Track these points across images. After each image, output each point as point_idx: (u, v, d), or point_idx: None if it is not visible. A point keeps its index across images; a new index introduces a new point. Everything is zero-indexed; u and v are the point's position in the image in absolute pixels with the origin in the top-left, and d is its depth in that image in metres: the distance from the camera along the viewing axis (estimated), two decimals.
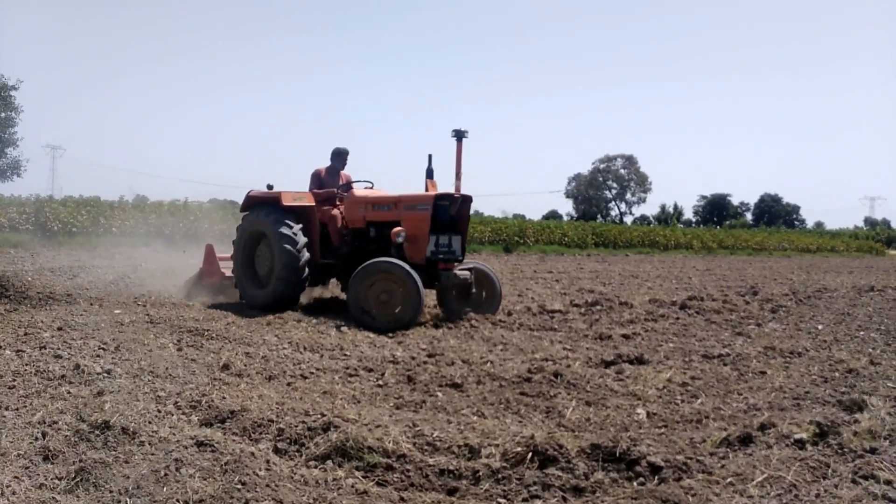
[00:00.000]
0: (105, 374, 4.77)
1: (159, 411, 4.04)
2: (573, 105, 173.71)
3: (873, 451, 3.68)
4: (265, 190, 9.15)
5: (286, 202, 8.82)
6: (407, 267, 7.77)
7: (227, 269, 9.65)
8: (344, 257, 9.08)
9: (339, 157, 9.69)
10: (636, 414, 4.52)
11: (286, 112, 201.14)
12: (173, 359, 5.42)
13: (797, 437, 3.85)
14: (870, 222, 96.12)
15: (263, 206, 8.97)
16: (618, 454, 3.51)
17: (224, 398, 4.31)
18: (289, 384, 4.92)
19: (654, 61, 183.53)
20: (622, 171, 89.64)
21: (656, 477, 3.36)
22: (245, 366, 5.30)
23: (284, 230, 8.47)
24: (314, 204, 9.03)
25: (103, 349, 5.58)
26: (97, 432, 3.58)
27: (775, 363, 6.23)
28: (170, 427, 3.73)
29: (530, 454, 3.47)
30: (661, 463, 3.44)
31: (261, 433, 3.76)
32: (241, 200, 9.76)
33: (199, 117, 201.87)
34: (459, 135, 8.67)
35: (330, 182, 9.51)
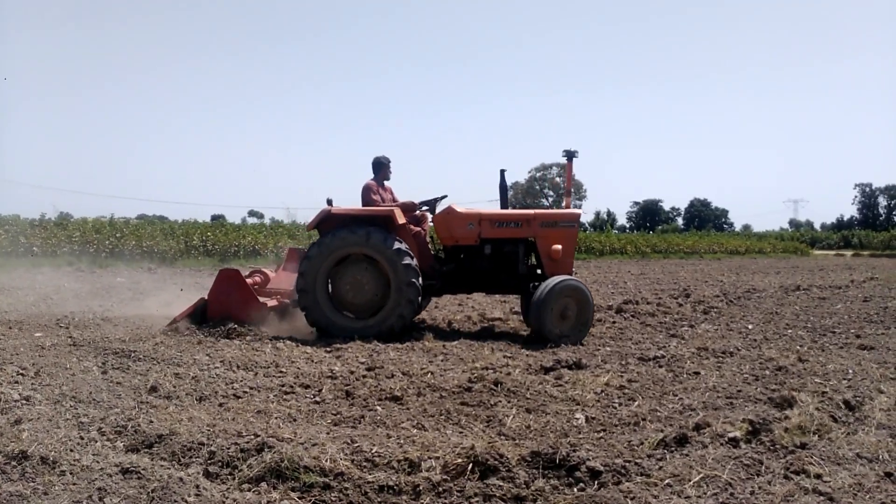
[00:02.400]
0: (24, 401, 4.52)
1: (82, 438, 3.84)
2: (508, 113, 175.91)
3: (803, 446, 3.80)
4: (353, 206, 8.31)
5: (400, 221, 8.12)
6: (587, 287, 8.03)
7: (263, 297, 8.49)
8: (445, 277, 8.63)
9: (385, 167, 8.97)
10: (575, 419, 4.55)
11: (213, 122, 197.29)
12: (97, 382, 5.19)
13: (731, 435, 3.94)
14: (794, 224, 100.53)
15: (364, 226, 7.96)
16: (558, 461, 3.52)
17: (151, 422, 4.14)
18: (221, 405, 4.77)
19: (585, 70, 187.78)
20: (558, 179, 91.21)
21: (596, 482, 3.38)
22: (174, 387, 5.10)
23: (407, 259, 7.85)
24: (405, 221, 8.41)
25: (22, 375, 5.30)
26: (14, 463, 3.38)
27: (708, 363, 6.39)
28: (93, 454, 3.55)
29: (471, 465, 3.44)
30: (601, 467, 3.46)
31: (191, 457, 3.61)
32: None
33: (124, 130, 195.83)
34: (570, 155, 8.70)
35: (384, 197, 8.83)
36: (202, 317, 8.12)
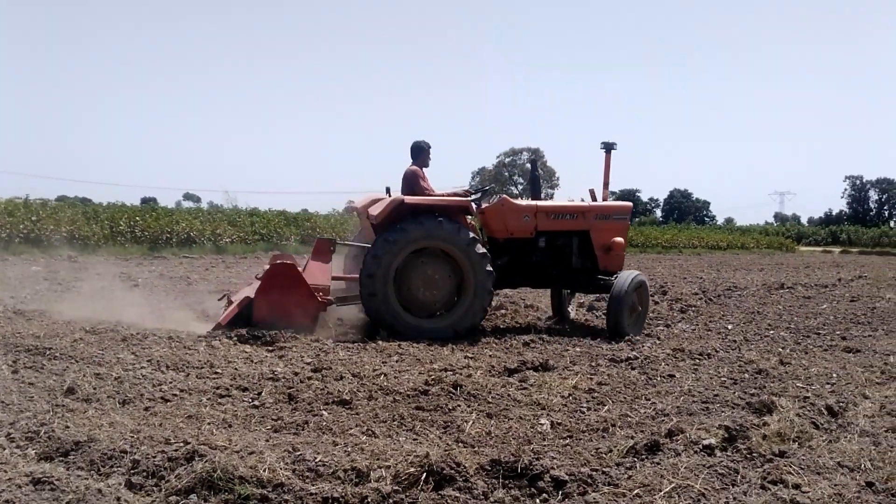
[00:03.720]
0: None
1: None
2: (476, 94, 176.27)
3: (782, 454, 3.90)
4: (428, 197, 8.38)
5: (470, 214, 8.49)
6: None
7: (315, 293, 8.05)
8: (501, 270, 8.71)
9: (426, 153, 9.05)
10: (540, 425, 4.61)
11: (145, 93, 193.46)
12: (6, 383, 5.07)
13: (706, 442, 4.03)
14: (780, 218, 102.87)
15: (435, 217, 7.99)
16: (519, 469, 3.55)
17: (68, 427, 4.06)
18: (147, 409, 4.70)
19: (559, 50, 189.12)
20: (528, 165, 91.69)
21: (560, 492, 3.43)
22: (94, 389, 5.01)
23: (482, 249, 8.12)
24: None
25: None
26: None
27: (684, 365, 6.52)
28: (0, 463, 3.48)
29: (425, 475, 3.46)
30: (566, 477, 3.50)
31: (111, 466, 3.56)
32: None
33: (42, 100, 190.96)
34: (608, 147, 9.32)
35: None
36: (247, 320, 7.71)
